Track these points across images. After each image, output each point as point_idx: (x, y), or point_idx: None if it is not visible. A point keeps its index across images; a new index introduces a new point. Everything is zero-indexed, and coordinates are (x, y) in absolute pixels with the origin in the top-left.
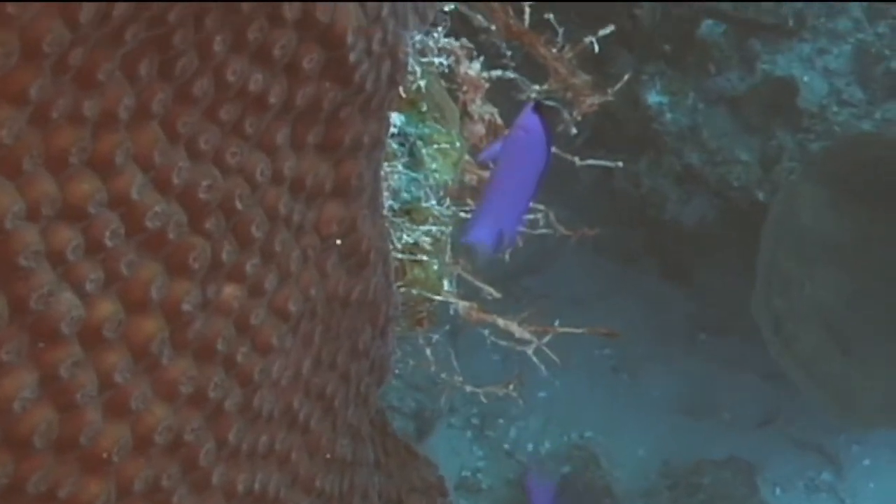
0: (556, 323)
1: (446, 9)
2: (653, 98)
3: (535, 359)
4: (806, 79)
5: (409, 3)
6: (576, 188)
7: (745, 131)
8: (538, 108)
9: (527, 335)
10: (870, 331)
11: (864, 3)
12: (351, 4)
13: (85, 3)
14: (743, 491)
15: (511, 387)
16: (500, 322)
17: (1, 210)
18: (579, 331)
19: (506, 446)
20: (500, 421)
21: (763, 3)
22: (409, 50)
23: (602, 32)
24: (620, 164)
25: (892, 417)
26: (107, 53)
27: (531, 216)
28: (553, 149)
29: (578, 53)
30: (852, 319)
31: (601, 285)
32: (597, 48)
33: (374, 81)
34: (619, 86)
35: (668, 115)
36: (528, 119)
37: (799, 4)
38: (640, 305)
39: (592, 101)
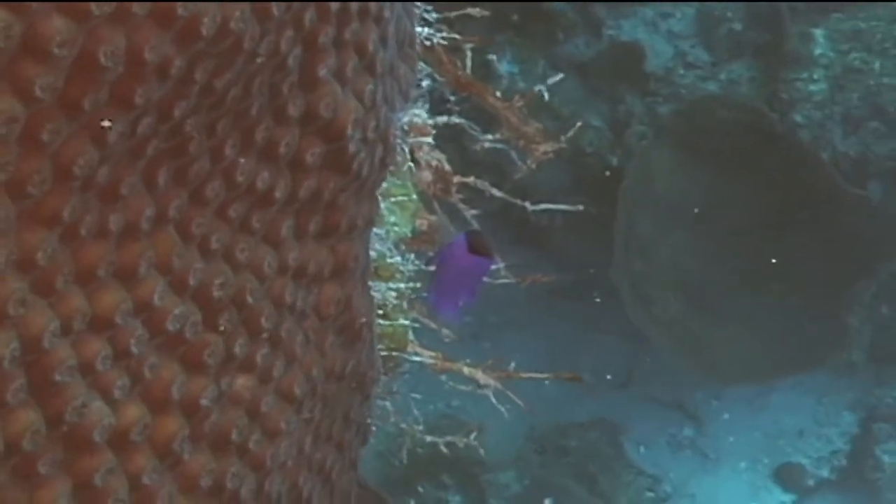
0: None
1: (424, 83)
2: (504, 67)
3: (494, 400)
4: (651, 43)
5: (396, 86)
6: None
7: (594, 97)
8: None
9: (490, 381)
10: (724, 290)
11: None
12: (351, 97)
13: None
14: (609, 451)
15: (472, 435)
16: (466, 370)
17: (38, 330)
18: (543, 376)
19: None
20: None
21: None
22: (398, 132)
23: (551, 80)
24: (581, 207)
25: (749, 373)
26: (130, 168)
27: None
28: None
29: (528, 102)
30: (707, 280)
31: None
32: (546, 96)
33: (369, 166)
34: (571, 132)
35: (521, 84)
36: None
37: None
38: (497, 272)
39: (546, 148)
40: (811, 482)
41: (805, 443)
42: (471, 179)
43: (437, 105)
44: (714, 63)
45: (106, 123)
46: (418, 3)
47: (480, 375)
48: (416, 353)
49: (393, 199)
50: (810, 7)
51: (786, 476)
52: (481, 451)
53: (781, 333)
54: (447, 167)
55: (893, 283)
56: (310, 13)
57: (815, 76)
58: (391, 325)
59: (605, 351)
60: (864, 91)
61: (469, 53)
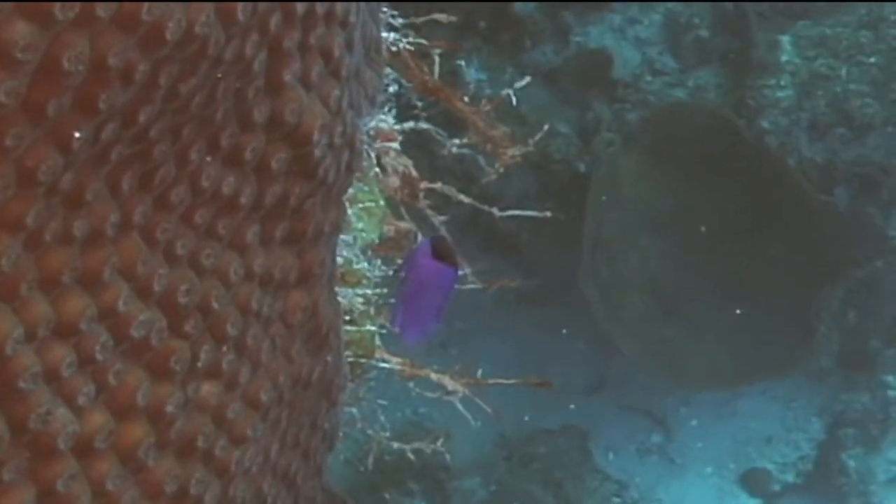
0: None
1: (391, 89)
2: (472, 74)
3: (461, 407)
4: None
5: (362, 91)
6: None
7: (562, 104)
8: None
9: (458, 387)
10: (692, 296)
11: None
12: (317, 102)
13: (77, 130)
14: (577, 457)
15: (439, 442)
16: (434, 376)
17: (1, 337)
18: (511, 382)
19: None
20: None
21: None
22: (364, 138)
23: (518, 85)
24: (549, 213)
25: (716, 379)
26: (94, 173)
27: None
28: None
29: (496, 106)
30: (675, 286)
31: None
32: (514, 101)
33: (335, 172)
34: (538, 136)
35: (488, 91)
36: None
37: None
38: (464, 278)
39: (514, 152)
40: (777, 487)
41: (773, 449)
42: (438, 185)
43: (404, 111)
44: (682, 70)
45: (77, 135)
46: (384, 8)
47: (448, 382)
48: (384, 360)
49: (360, 205)
50: (776, 11)
51: (752, 481)
52: (448, 458)
53: (750, 339)
54: (414, 173)
55: (861, 289)
56: (275, 17)
57: (783, 82)
58: (358, 332)
59: (574, 357)
60: (830, 97)
61: (437, 59)
